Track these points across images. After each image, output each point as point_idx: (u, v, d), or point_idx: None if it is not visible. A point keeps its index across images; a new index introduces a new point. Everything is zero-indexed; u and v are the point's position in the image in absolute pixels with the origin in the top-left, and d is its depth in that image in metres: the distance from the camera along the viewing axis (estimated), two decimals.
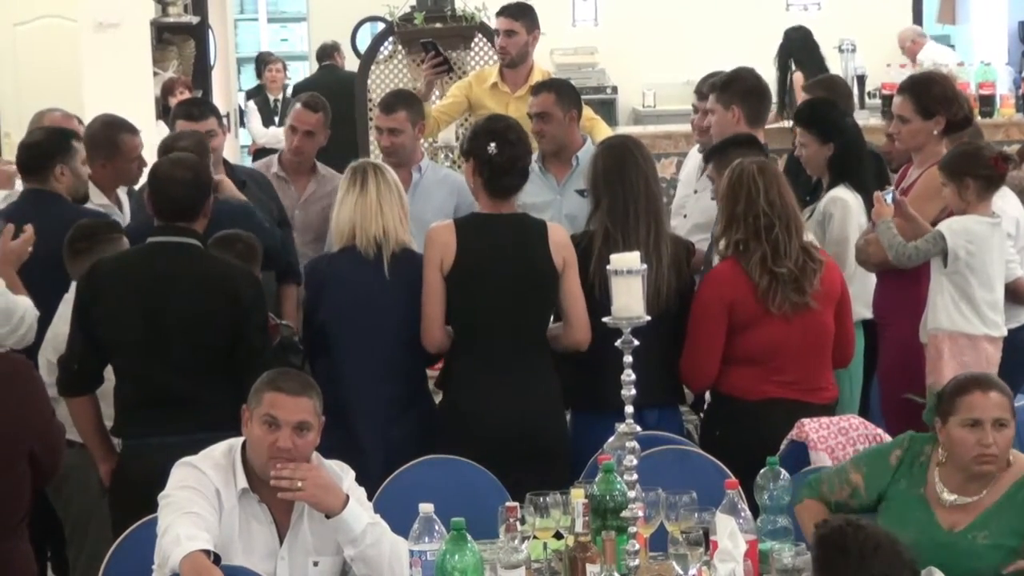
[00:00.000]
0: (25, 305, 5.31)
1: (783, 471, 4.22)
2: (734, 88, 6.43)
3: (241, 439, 4.15)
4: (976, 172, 5.45)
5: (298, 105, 7.00)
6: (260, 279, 5.47)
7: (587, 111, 7.25)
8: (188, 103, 7.45)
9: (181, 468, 4.09)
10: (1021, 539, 4.03)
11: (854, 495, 4.25)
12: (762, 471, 4.21)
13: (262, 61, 13.93)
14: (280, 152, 7.07)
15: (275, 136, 12.09)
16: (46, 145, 6.08)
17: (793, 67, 10.74)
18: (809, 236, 5.38)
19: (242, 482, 4.08)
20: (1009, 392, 4.21)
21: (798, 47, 10.94)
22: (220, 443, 4.17)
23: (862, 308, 5.80)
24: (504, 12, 7.63)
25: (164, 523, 3.95)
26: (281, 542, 4.09)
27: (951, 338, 5.41)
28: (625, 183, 5.27)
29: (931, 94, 5.81)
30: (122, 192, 6.66)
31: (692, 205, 6.49)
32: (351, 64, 12.39)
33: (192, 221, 5.04)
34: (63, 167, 6.00)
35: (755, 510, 4.22)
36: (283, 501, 4.07)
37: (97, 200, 6.37)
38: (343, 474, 4.17)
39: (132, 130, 6.57)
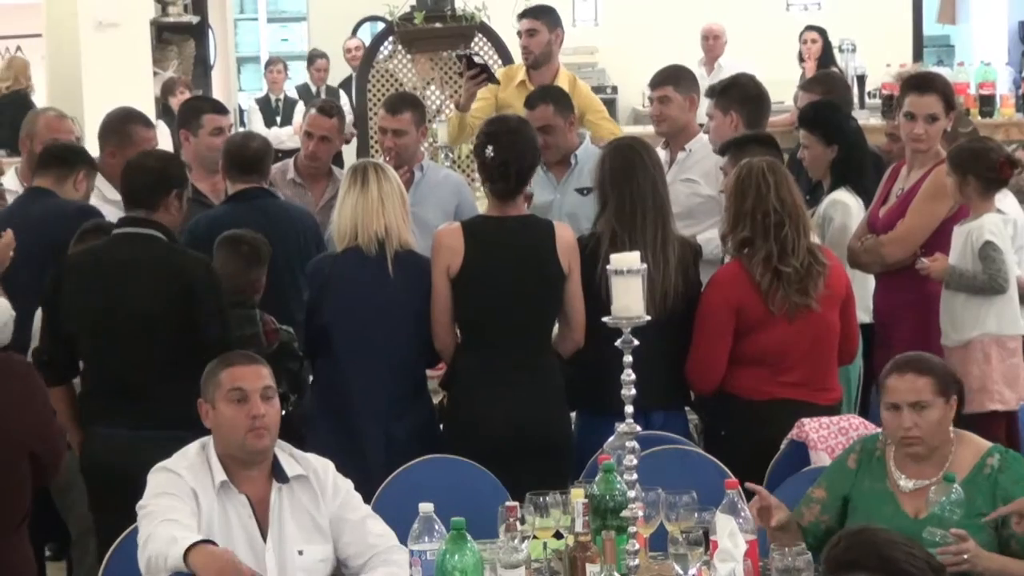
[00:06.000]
0: (2, 306, 5.34)
1: (957, 487, 4.03)
2: (732, 94, 6.44)
3: (211, 437, 4.15)
4: (979, 172, 5.46)
5: (313, 111, 6.97)
6: (261, 277, 5.50)
7: (603, 113, 7.39)
8: (212, 99, 7.46)
9: (156, 474, 4.09)
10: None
11: (823, 509, 4.27)
12: (935, 488, 4.06)
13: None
14: (295, 157, 7.03)
15: (276, 137, 12.08)
16: (80, 151, 6.15)
17: None
18: (815, 238, 5.38)
19: (220, 475, 4.08)
20: (939, 371, 4.19)
21: None
22: (192, 443, 4.17)
23: (861, 312, 5.80)
24: (526, 13, 7.60)
25: (145, 532, 3.94)
26: (264, 534, 4.08)
27: (998, 342, 5.44)
28: (632, 184, 5.26)
29: (951, 90, 5.86)
30: None
31: None
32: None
33: (152, 211, 5.12)
34: (85, 177, 6.06)
35: None
36: (262, 492, 4.09)
37: (110, 195, 6.39)
38: (322, 468, 4.19)
39: (146, 123, 6.63)
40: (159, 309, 4.98)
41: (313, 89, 13.65)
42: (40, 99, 11.60)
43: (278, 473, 4.13)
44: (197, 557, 3.77)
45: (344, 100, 12.17)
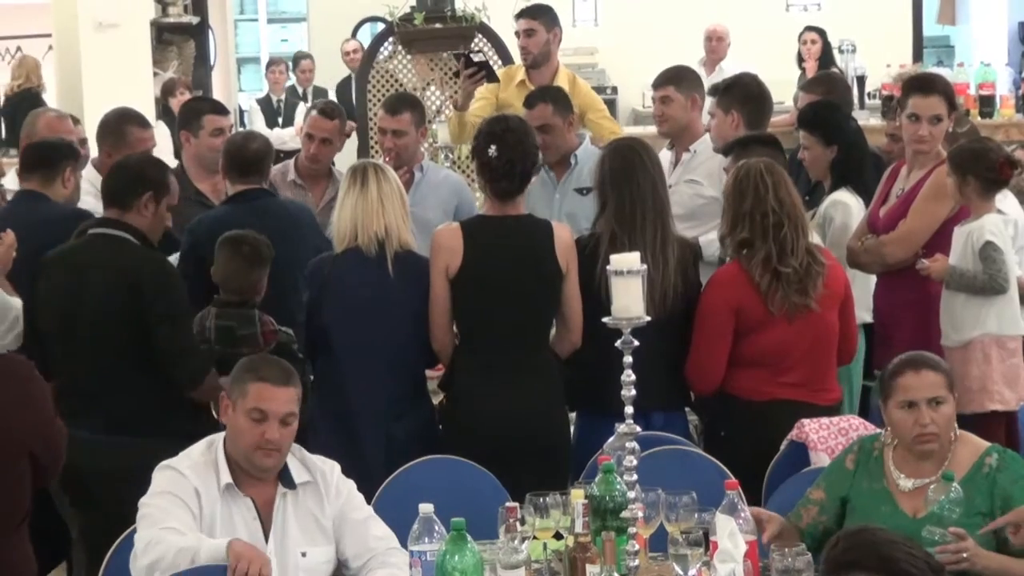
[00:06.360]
0: (17, 305, 5.35)
1: (956, 485, 4.04)
2: (734, 93, 6.43)
3: (221, 434, 4.16)
4: (979, 172, 5.47)
5: (314, 112, 6.97)
6: (263, 278, 5.48)
7: (604, 112, 7.39)
8: (212, 100, 7.44)
9: (160, 472, 4.09)
10: (984, 519, 4.06)
11: (821, 510, 4.27)
12: (934, 486, 4.08)
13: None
14: (296, 158, 7.02)
15: (278, 137, 12.09)
16: (61, 146, 6.12)
17: None
18: (815, 238, 5.38)
19: (226, 477, 4.08)
20: (946, 368, 4.25)
21: None
22: (201, 440, 4.18)
23: (863, 312, 5.80)
24: (523, 13, 7.60)
25: (145, 537, 3.94)
26: (267, 535, 4.09)
27: (998, 342, 5.45)
28: (632, 185, 5.25)
29: (952, 90, 5.88)
30: None
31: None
32: None
33: (125, 212, 5.15)
34: (72, 172, 6.02)
35: None
36: (266, 494, 4.09)
37: None
38: (328, 469, 4.19)
39: (143, 123, 6.61)
40: (112, 310, 4.99)
41: (300, 91, 13.65)
42: (50, 98, 11.62)
43: (285, 479, 4.14)
44: (234, 544, 3.83)
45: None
